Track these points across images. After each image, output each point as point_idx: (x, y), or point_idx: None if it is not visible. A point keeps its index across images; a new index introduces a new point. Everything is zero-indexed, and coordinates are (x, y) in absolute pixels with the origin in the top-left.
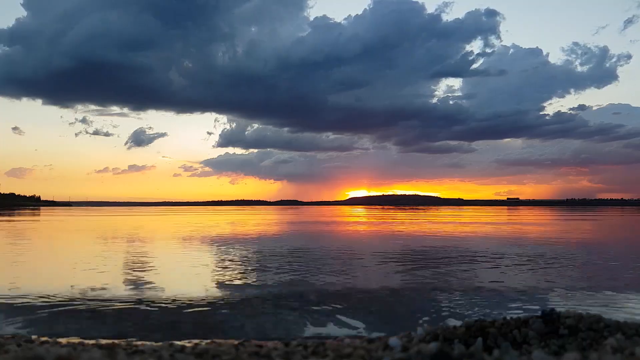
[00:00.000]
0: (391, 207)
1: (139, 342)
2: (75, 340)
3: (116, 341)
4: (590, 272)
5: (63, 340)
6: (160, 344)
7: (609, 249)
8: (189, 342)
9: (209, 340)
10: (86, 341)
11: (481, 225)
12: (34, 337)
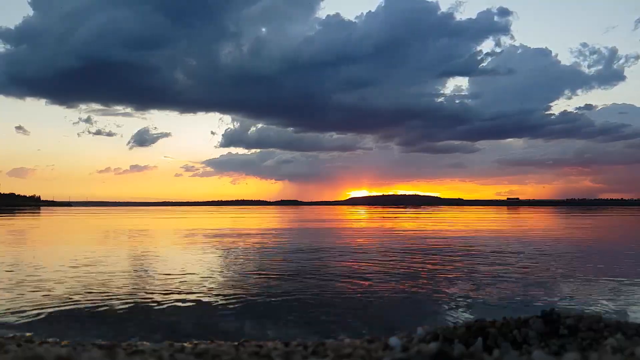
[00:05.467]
0: (388, 207)
1: (139, 342)
2: (75, 340)
3: (116, 341)
4: (590, 273)
5: (63, 340)
6: (160, 344)
7: (609, 249)
8: (189, 342)
9: (209, 340)
10: (86, 341)
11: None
12: (34, 337)
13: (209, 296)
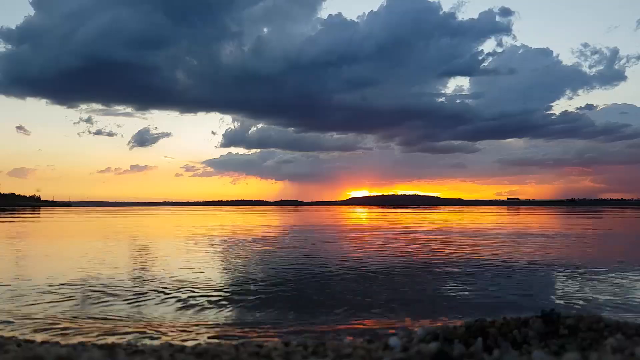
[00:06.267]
0: (388, 207)
1: (139, 342)
2: (75, 340)
3: (116, 341)
4: (590, 273)
5: (63, 341)
6: (160, 344)
7: (609, 249)
8: (189, 342)
9: (209, 340)
10: (86, 341)
11: None
12: (34, 337)
13: (209, 296)
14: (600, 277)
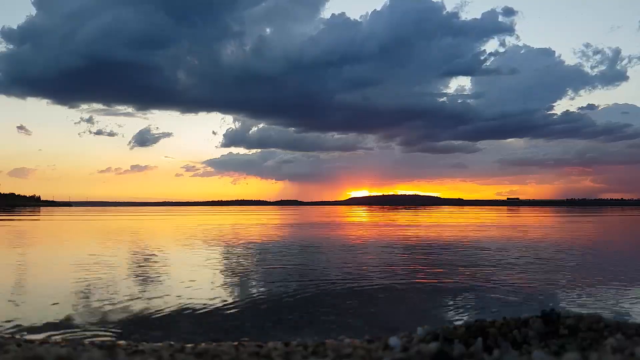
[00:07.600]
0: (387, 207)
1: (139, 342)
2: (75, 340)
3: (116, 341)
4: (590, 273)
5: (63, 341)
6: (160, 344)
7: (609, 250)
8: (189, 342)
9: (209, 340)
10: (86, 341)
11: None
12: (34, 337)
13: (209, 296)
14: (601, 277)
